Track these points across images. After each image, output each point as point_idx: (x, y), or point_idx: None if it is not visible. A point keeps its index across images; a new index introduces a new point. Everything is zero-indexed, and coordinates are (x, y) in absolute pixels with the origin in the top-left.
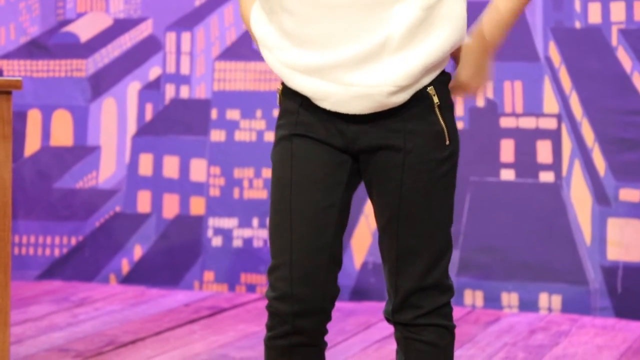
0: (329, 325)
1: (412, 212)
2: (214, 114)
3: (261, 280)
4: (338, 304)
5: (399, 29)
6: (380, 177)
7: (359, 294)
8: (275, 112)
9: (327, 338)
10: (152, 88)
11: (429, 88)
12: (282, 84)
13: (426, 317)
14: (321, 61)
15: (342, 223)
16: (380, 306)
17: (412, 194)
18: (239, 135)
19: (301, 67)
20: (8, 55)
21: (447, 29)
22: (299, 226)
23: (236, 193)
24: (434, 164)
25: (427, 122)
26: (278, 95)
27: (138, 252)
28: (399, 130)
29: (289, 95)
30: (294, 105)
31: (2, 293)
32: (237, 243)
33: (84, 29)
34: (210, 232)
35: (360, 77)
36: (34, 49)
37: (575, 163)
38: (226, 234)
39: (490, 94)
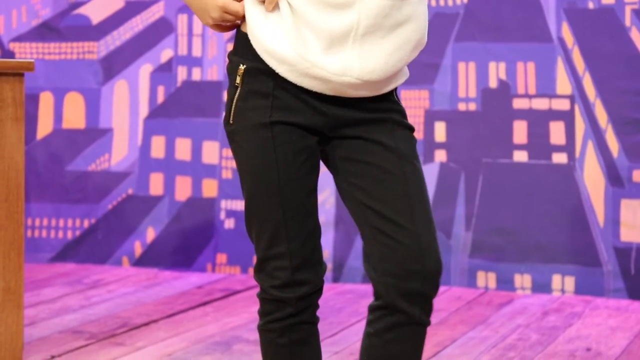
0: (342, 307)
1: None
2: (226, 96)
3: None
4: (352, 286)
5: (363, 16)
6: (374, 171)
7: None
8: None
9: (339, 320)
10: (164, 70)
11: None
12: (242, 62)
13: None
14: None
15: (317, 201)
16: None
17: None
18: None
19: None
20: (20, 38)
21: (411, 26)
22: (292, 215)
23: None
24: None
25: (394, 102)
26: (238, 76)
27: (151, 234)
28: (380, 110)
29: (257, 74)
30: (266, 86)
31: (15, 275)
32: None
33: (96, 11)
34: (222, 214)
35: (325, 61)
36: (45, 31)
37: (588, 144)
38: (239, 216)
39: (503, 75)
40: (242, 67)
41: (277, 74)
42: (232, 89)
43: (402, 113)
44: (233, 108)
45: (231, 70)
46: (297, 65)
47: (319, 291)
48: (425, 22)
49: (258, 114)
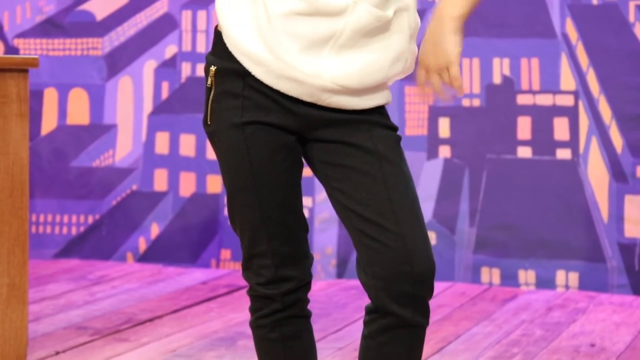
0: (347, 303)
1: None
2: None
3: None
4: (355, 282)
5: (348, 28)
6: (353, 173)
7: None
8: None
9: (343, 316)
10: (168, 66)
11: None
12: (213, 63)
13: None
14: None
15: (301, 197)
16: None
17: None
18: None
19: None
20: (24, 34)
21: (392, 37)
22: (270, 214)
23: None
24: (398, 150)
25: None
26: (209, 77)
27: (155, 230)
28: (354, 112)
29: (227, 75)
30: (235, 86)
31: (20, 271)
32: None
33: (100, 8)
34: (227, 211)
35: (300, 61)
36: (49, 27)
37: (592, 140)
38: None
39: (507, 71)
40: (212, 68)
41: (247, 73)
42: (207, 90)
43: (381, 113)
44: (209, 109)
45: (205, 71)
46: (271, 66)
47: (306, 285)
48: (406, 35)
49: (230, 114)
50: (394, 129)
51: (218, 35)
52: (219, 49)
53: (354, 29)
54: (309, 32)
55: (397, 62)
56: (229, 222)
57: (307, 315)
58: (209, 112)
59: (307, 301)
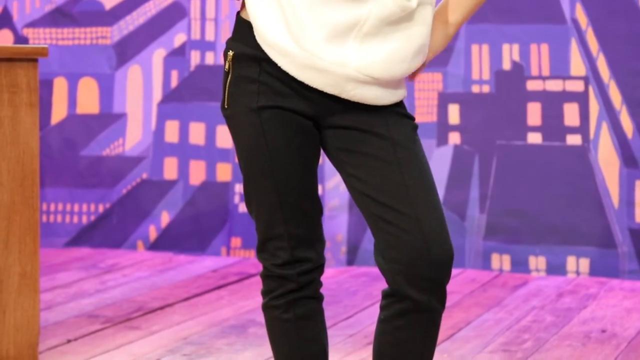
0: (357, 290)
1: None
2: None
3: None
4: (365, 269)
5: (372, 16)
6: (369, 160)
7: None
8: None
9: (354, 303)
10: (178, 55)
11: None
12: (232, 48)
13: None
14: (293, 13)
15: (317, 181)
16: None
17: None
18: None
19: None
20: (33, 24)
21: (415, 29)
22: (286, 198)
23: None
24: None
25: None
26: (227, 62)
27: (165, 218)
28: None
29: (244, 60)
30: (252, 71)
31: (31, 260)
32: None
33: None
34: (237, 198)
35: (324, 50)
36: (59, 16)
37: (602, 125)
38: None
39: (516, 57)
40: (230, 53)
41: (263, 59)
42: (225, 74)
43: (398, 105)
44: (226, 93)
45: (224, 56)
46: (296, 56)
47: (320, 267)
48: (429, 29)
49: (247, 99)
50: (411, 118)
51: (239, 21)
52: (239, 35)
53: (379, 16)
54: (333, 20)
55: (419, 55)
56: (245, 206)
57: (320, 297)
58: (226, 96)
59: (320, 284)
